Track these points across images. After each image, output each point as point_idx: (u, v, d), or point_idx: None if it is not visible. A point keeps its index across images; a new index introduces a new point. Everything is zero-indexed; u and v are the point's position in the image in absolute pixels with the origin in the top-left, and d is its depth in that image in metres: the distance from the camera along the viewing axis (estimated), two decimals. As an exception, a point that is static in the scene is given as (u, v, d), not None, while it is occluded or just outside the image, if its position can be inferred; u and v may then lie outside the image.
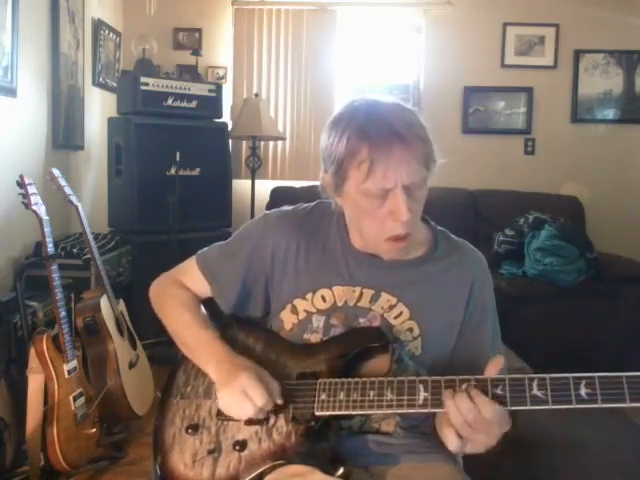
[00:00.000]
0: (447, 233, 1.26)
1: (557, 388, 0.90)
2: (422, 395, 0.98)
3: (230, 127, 3.99)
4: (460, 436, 0.97)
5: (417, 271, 1.19)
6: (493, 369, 0.97)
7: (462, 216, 3.92)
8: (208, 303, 1.30)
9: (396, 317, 1.17)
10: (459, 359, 1.17)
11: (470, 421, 0.94)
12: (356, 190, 1.08)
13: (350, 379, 1.05)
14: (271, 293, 1.24)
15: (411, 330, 1.17)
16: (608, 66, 4.32)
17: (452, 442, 0.97)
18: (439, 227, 1.26)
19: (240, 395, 1.07)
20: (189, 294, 1.29)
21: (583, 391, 0.88)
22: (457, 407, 0.94)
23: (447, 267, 1.20)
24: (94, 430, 2.18)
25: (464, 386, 0.96)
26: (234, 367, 1.11)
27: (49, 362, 2.04)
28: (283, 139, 4.31)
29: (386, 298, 1.17)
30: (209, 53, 4.35)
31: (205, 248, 1.32)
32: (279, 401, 1.08)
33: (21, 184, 2.15)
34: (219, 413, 1.14)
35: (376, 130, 1.03)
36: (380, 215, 1.08)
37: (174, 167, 3.42)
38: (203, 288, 1.28)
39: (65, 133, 3.36)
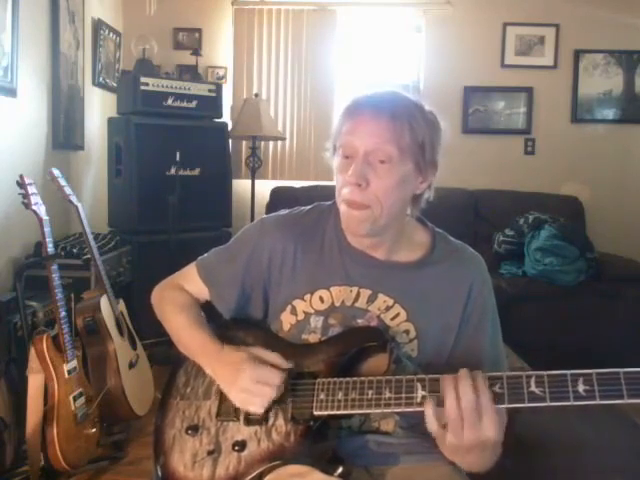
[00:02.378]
0: (446, 235, 1.26)
1: (555, 385, 0.90)
2: (420, 393, 0.98)
3: (230, 127, 3.99)
4: (443, 425, 0.94)
5: (415, 273, 1.19)
6: None
7: (462, 216, 3.93)
8: (208, 305, 1.30)
9: (393, 318, 1.17)
10: (458, 361, 1.16)
11: (465, 406, 0.91)
12: (337, 153, 1.14)
13: (348, 378, 1.05)
14: (270, 296, 1.25)
15: (407, 332, 1.17)
16: (608, 66, 4.32)
17: (433, 424, 0.94)
18: (437, 229, 1.26)
19: (253, 385, 1.07)
20: (186, 296, 1.30)
21: (581, 388, 0.88)
22: (455, 389, 0.93)
23: (445, 270, 1.20)
24: (94, 430, 2.18)
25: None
26: (231, 365, 1.12)
27: (49, 362, 2.04)
28: (283, 139, 4.31)
29: (383, 299, 1.18)
30: (209, 53, 4.35)
31: (205, 254, 1.33)
32: (289, 365, 1.10)
33: (21, 184, 2.15)
34: (218, 414, 1.14)
35: (360, 102, 1.13)
36: (343, 178, 1.12)
37: (174, 167, 3.42)
38: (203, 293, 1.29)
39: (65, 133, 3.36)
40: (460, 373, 0.95)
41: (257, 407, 1.09)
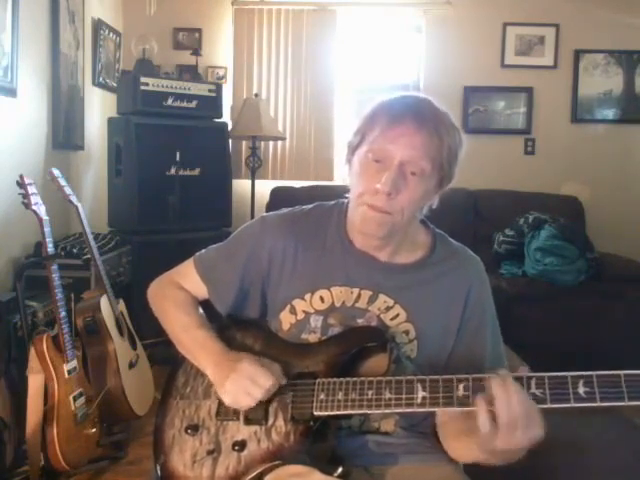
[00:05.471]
0: (446, 237, 1.27)
1: (555, 387, 0.90)
2: (420, 394, 0.98)
3: (230, 127, 3.99)
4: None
5: (415, 274, 1.20)
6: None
7: (462, 216, 3.92)
8: (207, 304, 1.30)
9: (392, 319, 1.17)
10: (458, 364, 1.17)
11: (519, 413, 0.88)
12: (363, 155, 1.12)
13: (348, 379, 1.05)
14: (268, 295, 1.24)
15: (407, 332, 1.17)
16: (608, 66, 4.32)
17: (485, 425, 0.89)
18: (438, 230, 1.27)
19: (246, 382, 1.07)
20: (186, 295, 1.29)
21: (581, 390, 0.88)
22: (509, 397, 0.89)
23: (445, 272, 1.20)
24: (94, 430, 2.18)
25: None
26: (231, 362, 1.12)
27: (49, 362, 2.04)
28: (283, 139, 4.31)
29: (383, 299, 1.18)
30: (209, 53, 4.35)
31: (203, 250, 1.32)
32: (283, 381, 1.10)
33: (21, 184, 2.15)
34: (218, 413, 1.14)
35: (400, 108, 1.10)
36: (368, 182, 1.10)
37: (174, 167, 3.42)
38: (200, 290, 1.29)
39: (65, 133, 3.36)
40: (504, 378, 0.91)
41: (243, 405, 1.09)
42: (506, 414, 0.88)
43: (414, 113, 1.09)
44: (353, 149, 1.16)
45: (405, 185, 1.09)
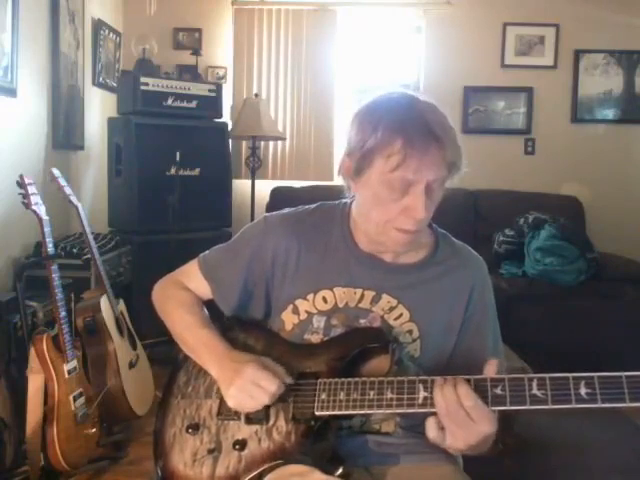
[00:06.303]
0: (448, 236, 1.26)
1: (557, 388, 0.90)
2: (422, 394, 0.99)
3: (230, 127, 3.99)
4: (441, 428, 0.97)
5: (418, 274, 1.19)
6: (489, 371, 0.97)
7: (462, 216, 3.92)
8: (210, 304, 1.30)
9: (396, 319, 1.17)
10: (459, 362, 1.17)
11: (451, 410, 0.94)
12: (378, 179, 1.07)
13: (350, 379, 1.05)
14: (272, 295, 1.24)
15: (411, 332, 1.17)
16: (608, 66, 4.32)
17: (431, 430, 0.97)
18: (440, 230, 1.26)
19: (251, 386, 1.07)
20: (190, 295, 1.29)
21: (583, 391, 0.88)
22: (442, 394, 0.95)
23: (447, 270, 1.20)
24: (94, 430, 2.18)
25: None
26: (236, 364, 1.11)
27: (49, 362, 2.04)
28: (283, 139, 4.31)
29: (387, 299, 1.18)
30: (209, 53, 4.35)
31: (207, 251, 1.32)
32: (289, 380, 1.09)
33: (21, 184, 2.15)
34: (219, 413, 1.14)
35: (414, 127, 1.03)
36: (394, 208, 1.07)
37: (174, 167, 3.42)
38: (205, 290, 1.28)
39: (65, 133, 3.36)
40: (446, 379, 0.97)
41: (248, 409, 1.09)
42: (440, 412, 0.95)
43: (432, 134, 1.03)
44: (359, 171, 1.09)
45: (432, 201, 1.09)
